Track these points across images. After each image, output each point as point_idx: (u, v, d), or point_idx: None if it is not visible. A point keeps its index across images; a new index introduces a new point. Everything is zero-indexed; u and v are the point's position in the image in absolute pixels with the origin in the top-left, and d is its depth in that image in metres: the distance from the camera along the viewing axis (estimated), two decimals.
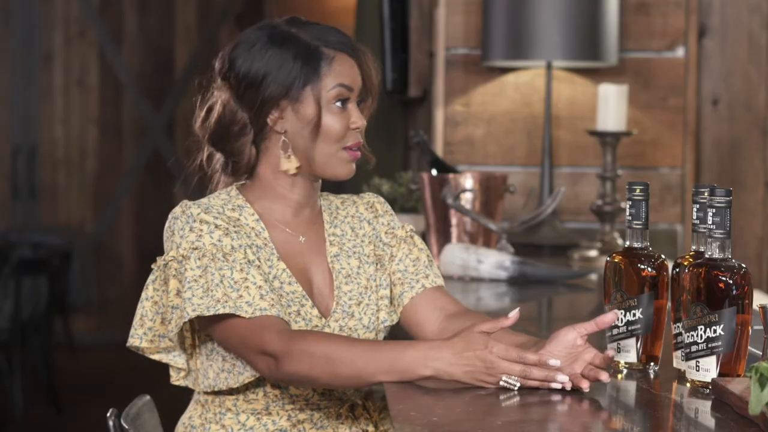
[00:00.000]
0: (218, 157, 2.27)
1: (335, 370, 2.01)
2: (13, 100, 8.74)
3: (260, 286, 2.10)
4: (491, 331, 1.99)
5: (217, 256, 2.11)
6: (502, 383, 1.95)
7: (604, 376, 1.97)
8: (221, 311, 2.08)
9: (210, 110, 2.25)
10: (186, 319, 2.09)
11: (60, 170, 8.80)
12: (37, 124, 8.76)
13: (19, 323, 6.58)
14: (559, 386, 1.96)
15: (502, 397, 1.97)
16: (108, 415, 2.19)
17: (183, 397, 2.33)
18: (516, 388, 1.96)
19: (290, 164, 2.21)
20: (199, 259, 2.11)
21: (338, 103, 2.19)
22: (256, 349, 2.07)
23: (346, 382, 2.06)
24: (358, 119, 2.21)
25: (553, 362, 1.96)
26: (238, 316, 2.08)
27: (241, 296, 2.08)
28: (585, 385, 1.97)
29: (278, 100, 2.19)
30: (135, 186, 8.87)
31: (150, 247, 8.51)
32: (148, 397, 2.36)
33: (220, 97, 2.23)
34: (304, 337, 2.05)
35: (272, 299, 2.09)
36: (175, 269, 2.13)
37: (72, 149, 8.82)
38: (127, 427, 2.19)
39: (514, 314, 2.02)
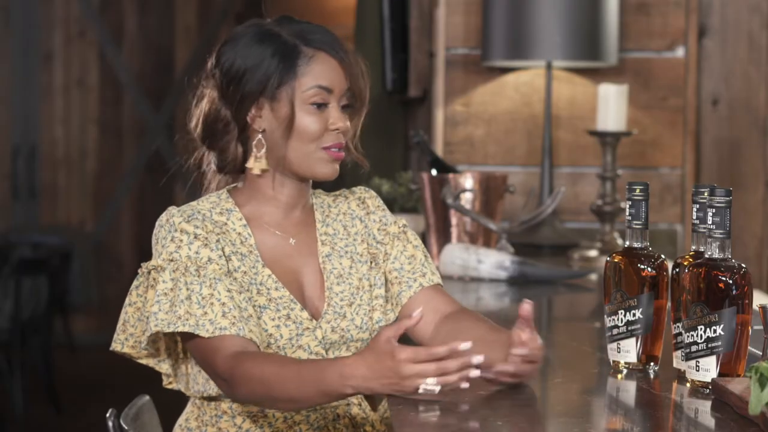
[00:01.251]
0: (212, 156, 2.27)
1: (272, 394, 1.99)
2: (13, 100, 8.74)
3: (224, 303, 2.08)
4: (397, 335, 1.88)
5: (190, 269, 2.11)
6: (421, 390, 1.84)
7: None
8: (181, 329, 2.07)
9: (200, 108, 2.25)
10: (149, 333, 2.10)
11: (60, 170, 8.80)
12: (37, 124, 8.76)
13: (19, 323, 6.58)
14: (477, 373, 1.85)
15: (502, 396, 1.97)
16: (108, 415, 2.19)
17: (182, 397, 2.33)
18: (437, 391, 1.84)
19: (257, 164, 2.20)
20: (173, 271, 2.11)
21: (316, 104, 2.17)
22: (212, 372, 2.08)
23: (286, 406, 2.05)
24: (337, 120, 2.18)
25: (464, 346, 1.85)
26: (199, 335, 2.07)
27: (205, 313, 2.07)
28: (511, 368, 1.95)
29: (256, 97, 2.18)
30: (135, 186, 8.87)
31: (150, 247, 8.49)
32: (147, 397, 2.36)
33: (208, 94, 2.23)
34: (244, 360, 2.02)
35: (234, 317, 2.07)
36: (153, 279, 2.14)
37: (72, 149, 8.82)
38: (126, 427, 2.19)
39: (417, 314, 1.90)
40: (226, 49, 2.21)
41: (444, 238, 3.55)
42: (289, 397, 1.98)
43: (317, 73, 2.17)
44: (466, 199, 3.54)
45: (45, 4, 8.73)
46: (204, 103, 2.23)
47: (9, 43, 8.72)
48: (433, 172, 3.65)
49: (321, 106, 2.17)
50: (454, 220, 3.54)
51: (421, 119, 5.04)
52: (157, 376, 2.27)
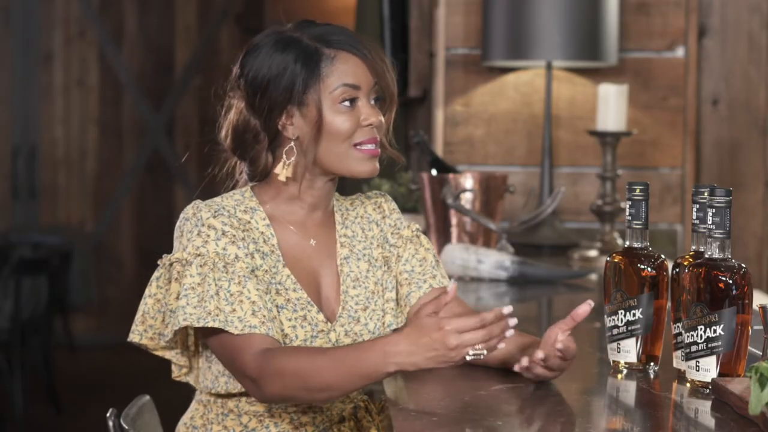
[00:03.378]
0: (243, 166, 2.26)
1: (307, 385, 1.99)
2: (13, 100, 8.74)
3: (254, 302, 2.08)
4: (438, 310, 1.94)
5: (218, 265, 2.10)
6: (468, 358, 1.90)
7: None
8: (210, 324, 2.07)
9: (229, 118, 2.24)
10: (177, 327, 2.09)
11: (60, 170, 8.80)
12: (37, 124, 8.76)
13: (19, 323, 6.58)
14: (512, 332, 1.91)
15: (502, 396, 1.97)
16: (108, 415, 2.19)
17: (183, 397, 2.33)
18: (483, 356, 1.89)
19: (284, 171, 2.20)
20: (200, 266, 2.10)
21: (345, 103, 2.17)
22: (239, 372, 2.07)
23: (322, 396, 2.03)
24: (370, 115, 2.18)
25: (507, 309, 1.92)
26: (227, 332, 2.07)
27: (234, 310, 2.07)
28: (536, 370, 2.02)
29: (284, 105, 2.17)
30: (135, 186, 8.87)
31: (150, 247, 8.51)
32: (148, 397, 2.36)
33: (236, 105, 2.22)
34: (275, 355, 2.02)
35: (264, 316, 2.08)
36: (178, 272, 2.13)
37: (72, 149, 8.82)
38: (126, 427, 2.19)
39: (452, 287, 1.97)
40: (248, 59, 2.20)
41: (444, 238, 3.55)
42: (326, 385, 1.98)
43: (341, 72, 2.17)
44: (466, 199, 3.54)
45: (45, 4, 8.73)
46: (232, 113, 2.22)
47: (9, 43, 8.72)
48: (433, 172, 3.65)
49: (352, 102, 2.17)
50: (454, 220, 3.54)
51: (421, 119, 5.04)
52: (158, 375, 2.27)
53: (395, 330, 2.28)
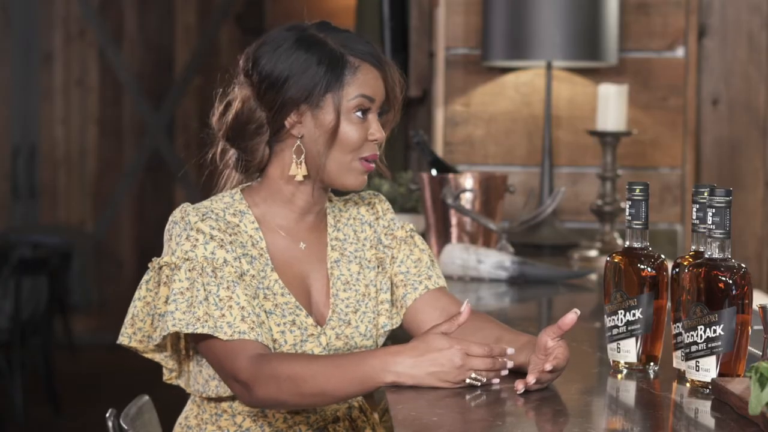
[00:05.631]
0: (232, 153, 2.26)
1: (300, 390, 1.99)
2: (13, 100, 8.74)
3: (243, 307, 2.08)
4: (450, 331, 1.99)
5: (206, 270, 2.10)
6: (468, 381, 1.96)
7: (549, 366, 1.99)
8: (200, 330, 2.07)
9: (229, 105, 2.22)
10: (166, 333, 2.09)
11: (60, 170, 8.81)
12: (37, 124, 8.76)
13: (19, 323, 6.58)
14: (506, 373, 2.00)
15: (502, 396, 1.97)
16: (107, 415, 2.19)
17: (182, 397, 2.33)
18: (480, 384, 1.97)
19: (299, 171, 2.19)
20: (189, 270, 2.10)
21: (358, 113, 2.17)
22: (230, 375, 2.07)
23: (314, 401, 2.04)
24: (376, 131, 2.19)
25: (510, 351, 2.02)
26: (216, 337, 2.07)
27: (223, 315, 2.07)
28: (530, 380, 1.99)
29: (298, 103, 2.16)
30: (135, 186, 8.87)
31: (150, 247, 8.51)
32: (147, 397, 2.36)
33: (240, 94, 2.21)
34: (270, 360, 2.03)
35: (253, 322, 2.08)
36: (167, 276, 2.12)
37: (72, 149, 8.82)
38: (126, 427, 2.19)
39: (465, 308, 2.02)
40: (265, 51, 2.19)
41: (444, 238, 3.55)
42: (320, 390, 1.99)
43: (362, 83, 2.17)
44: (466, 199, 3.54)
45: (45, 4, 8.73)
46: (235, 102, 2.21)
47: (9, 43, 8.72)
48: (433, 172, 3.65)
49: (364, 114, 2.18)
50: (454, 220, 3.54)
51: (421, 119, 5.04)
52: (157, 376, 2.27)
53: (389, 331, 2.29)
